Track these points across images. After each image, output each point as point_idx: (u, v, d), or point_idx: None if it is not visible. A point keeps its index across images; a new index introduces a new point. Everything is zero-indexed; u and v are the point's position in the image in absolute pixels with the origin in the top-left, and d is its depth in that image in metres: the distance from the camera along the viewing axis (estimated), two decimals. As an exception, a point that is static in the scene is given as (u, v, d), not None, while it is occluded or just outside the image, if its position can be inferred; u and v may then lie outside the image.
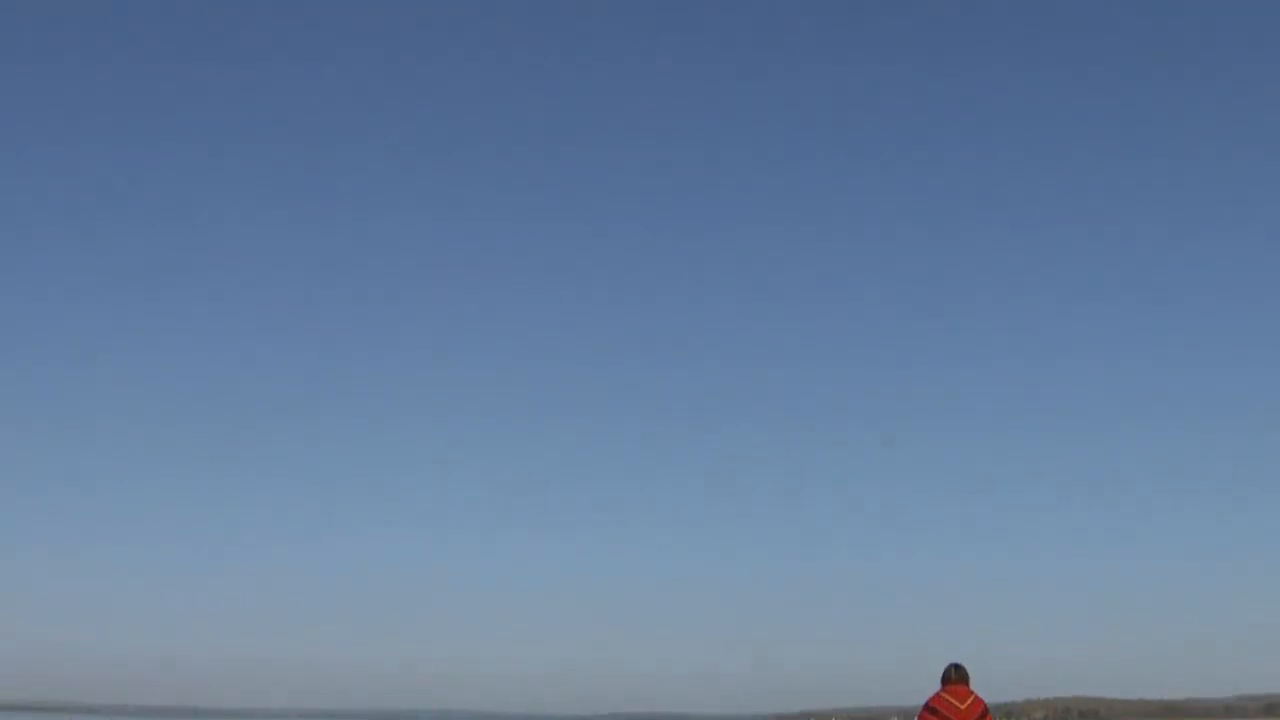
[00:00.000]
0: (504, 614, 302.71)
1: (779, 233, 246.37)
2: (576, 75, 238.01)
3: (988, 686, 12.38)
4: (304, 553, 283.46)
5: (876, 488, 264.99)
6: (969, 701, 12.04)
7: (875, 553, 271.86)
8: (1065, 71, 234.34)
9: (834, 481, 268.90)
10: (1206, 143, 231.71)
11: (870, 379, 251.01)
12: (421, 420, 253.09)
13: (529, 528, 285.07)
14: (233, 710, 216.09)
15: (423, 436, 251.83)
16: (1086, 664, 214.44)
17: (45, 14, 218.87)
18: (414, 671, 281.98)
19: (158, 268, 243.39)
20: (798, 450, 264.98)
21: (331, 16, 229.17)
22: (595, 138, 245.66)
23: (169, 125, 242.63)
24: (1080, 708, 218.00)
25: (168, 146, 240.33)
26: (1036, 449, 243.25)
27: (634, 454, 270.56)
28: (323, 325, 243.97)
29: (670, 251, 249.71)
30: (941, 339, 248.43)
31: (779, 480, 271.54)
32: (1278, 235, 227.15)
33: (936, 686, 12.31)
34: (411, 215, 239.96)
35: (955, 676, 12.10)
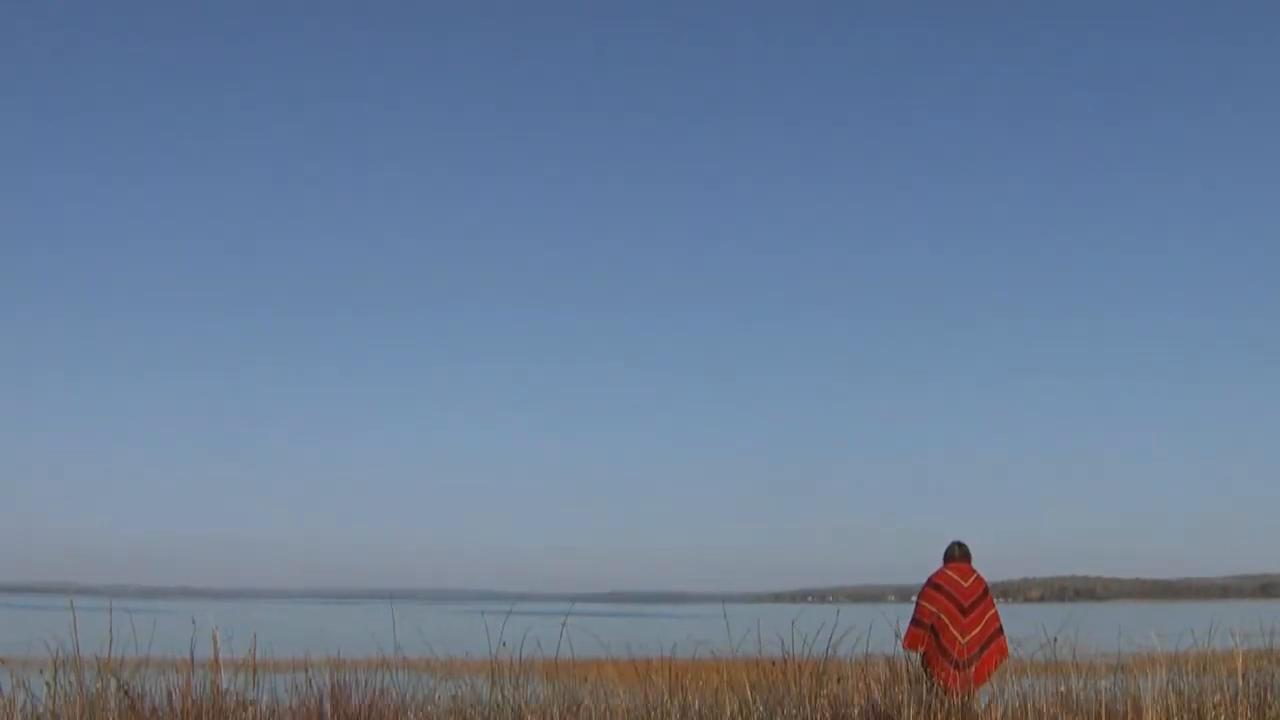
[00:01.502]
0: (501, 494, 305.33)
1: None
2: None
3: (984, 567, 11.72)
4: (301, 435, 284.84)
5: (874, 371, 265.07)
6: (972, 579, 11.66)
7: (872, 436, 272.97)
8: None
9: (832, 365, 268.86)
10: None
11: (891, 266, 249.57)
12: (418, 305, 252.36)
13: (528, 406, 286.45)
14: (233, 590, 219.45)
15: (418, 319, 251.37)
16: (1083, 544, 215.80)
17: None
18: (411, 551, 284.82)
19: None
20: (797, 332, 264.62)
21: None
22: None
23: None
24: (1076, 586, 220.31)
25: None
26: (1034, 327, 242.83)
27: (635, 335, 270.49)
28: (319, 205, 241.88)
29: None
30: (968, 230, 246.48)
31: (779, 362, 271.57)
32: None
33: (933, 566, 11.82)
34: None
35: (958, 554, 11.82)
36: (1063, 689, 11.31)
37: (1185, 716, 11.07)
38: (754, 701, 11.10)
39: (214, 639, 10.19)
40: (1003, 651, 11.45)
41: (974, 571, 11.68)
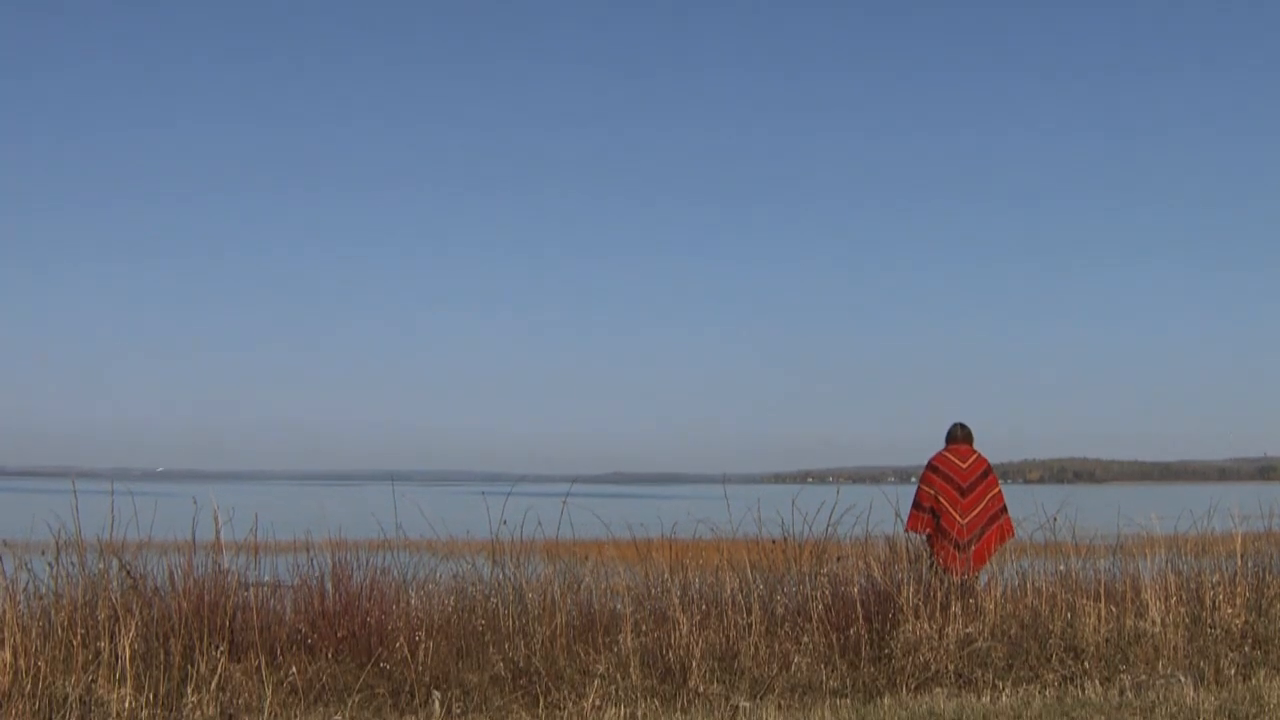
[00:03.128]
0: (502, 377, 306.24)
1: None
2: None
3: (984, 448, 11.81)
4: (302, 320, 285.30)
5: (875, 254, 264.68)
6: (971, 460, 11.64)
7: (872, 318, 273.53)
8: None
9: (832, 249, 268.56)
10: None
11: (890, 149, 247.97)
12: (415, 190, 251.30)
13: (529, 291, 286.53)
14: (235, 473, 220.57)
15: (414, 204, 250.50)
16: (1083, 426, 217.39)
17: None
18: (413, 433, 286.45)
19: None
20: (796, 214, 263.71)
21: None
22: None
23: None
24: (1075, 468, 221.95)
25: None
26: (1036, 210, 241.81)
27: (633, 221, 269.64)
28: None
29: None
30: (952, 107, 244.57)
31: (779, 245, 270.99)
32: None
33: (934, 448, 11.81)
34: None
35: (960, 435, 11.79)
36: (1062, 569, 11.36)
37: (1184, 596, 11.12)
38: (754, 580, 11.15)
39: (215, 520, 10.19)
40: (1007, 531, 11.46)
41: (974, 452, 11.66)
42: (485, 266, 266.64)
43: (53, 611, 9.33)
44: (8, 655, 8.62)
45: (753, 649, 10.03)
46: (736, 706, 8.87)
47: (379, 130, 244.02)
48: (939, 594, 10.42)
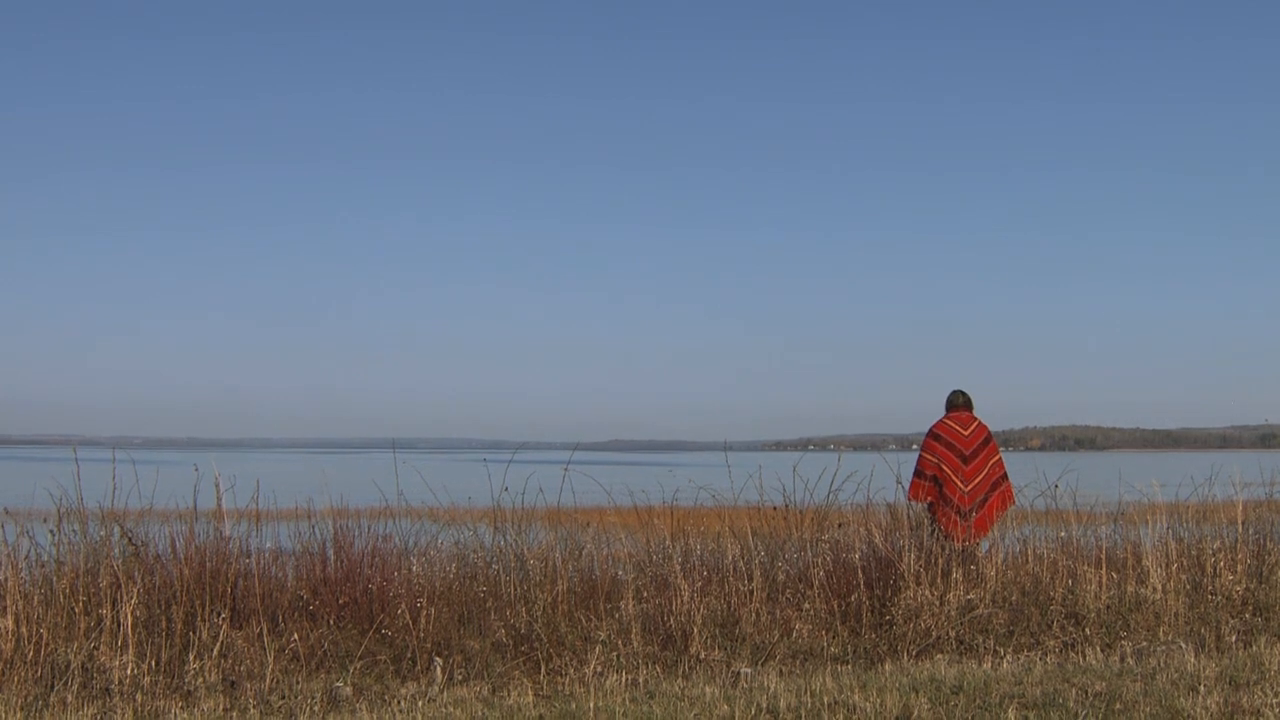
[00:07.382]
0: (503, 344, 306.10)
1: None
2: None
3: (986, 416, 11.78)
4: (303, 289, 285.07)
5: (874, 220, 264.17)
6: (973, 428, 11.64)
7: (873, 286, 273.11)
8: None
9: (832, 217, 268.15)
10: None
11: (877, 112, 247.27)
12: (417, 160, 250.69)
13: (529, 258, 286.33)
14: (237, 441, 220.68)
15: (417, 172, 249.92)
16: (1085, 394, 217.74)
17: None
18: (412, 402, 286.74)
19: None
20: (796, 184, 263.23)
21: None
22: None
23: None
24: (1077, 436, 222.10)
25: None
26: (1033, 179, 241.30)
27: (636, 189, 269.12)
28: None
29: None
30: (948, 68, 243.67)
31: (777, 214, 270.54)
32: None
33: (935, 415, 11.81)
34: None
35: (960, 402, 11.78)
36: (1063, 535, 11.35)
37: (1185, 563, 11.12)
38: (755, 547, 11.14)
39: (217, 486, 10.17)
40: (1008, 498, 11.46)
41: (975, 419, 11.64)
42: (487, 236, 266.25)
43: (55, 579, 9.33)
44: (10, 622, 8.62)
45: (754, 615, 10.03)
46: (738, 673, 8.88)
47: (381, 100, 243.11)
48: (940, 560, 10.42)
